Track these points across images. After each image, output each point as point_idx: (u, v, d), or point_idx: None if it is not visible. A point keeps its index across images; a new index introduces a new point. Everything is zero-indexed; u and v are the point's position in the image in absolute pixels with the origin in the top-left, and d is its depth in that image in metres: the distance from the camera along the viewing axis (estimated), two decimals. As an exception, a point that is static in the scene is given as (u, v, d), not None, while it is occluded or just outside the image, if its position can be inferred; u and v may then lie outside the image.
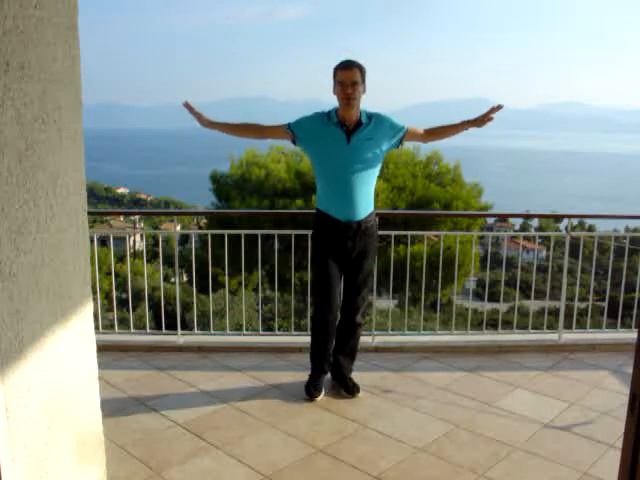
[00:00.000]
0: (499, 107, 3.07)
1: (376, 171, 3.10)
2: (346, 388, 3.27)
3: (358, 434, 2.83)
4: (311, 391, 3.20)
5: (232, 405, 3.13)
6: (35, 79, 1.49)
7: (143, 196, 74.99)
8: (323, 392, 3.25)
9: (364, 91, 3.01)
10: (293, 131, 3.06)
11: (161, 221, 26.52)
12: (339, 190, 3.02)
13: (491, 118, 3.08)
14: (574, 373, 3.63)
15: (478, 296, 16.54)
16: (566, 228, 4.19)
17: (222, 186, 13.54)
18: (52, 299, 1.62)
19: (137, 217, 31.21)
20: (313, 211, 3.22)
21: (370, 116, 3.05)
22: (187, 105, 3.07)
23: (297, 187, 12.50)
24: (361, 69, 2.96)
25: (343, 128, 2.99)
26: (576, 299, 4.92)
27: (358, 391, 3.26)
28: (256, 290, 11.17)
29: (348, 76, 2.92)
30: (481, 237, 9.87)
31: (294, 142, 3.11)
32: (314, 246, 3.21)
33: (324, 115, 3.04)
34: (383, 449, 2.69)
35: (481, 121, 3.07)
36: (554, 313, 6.86)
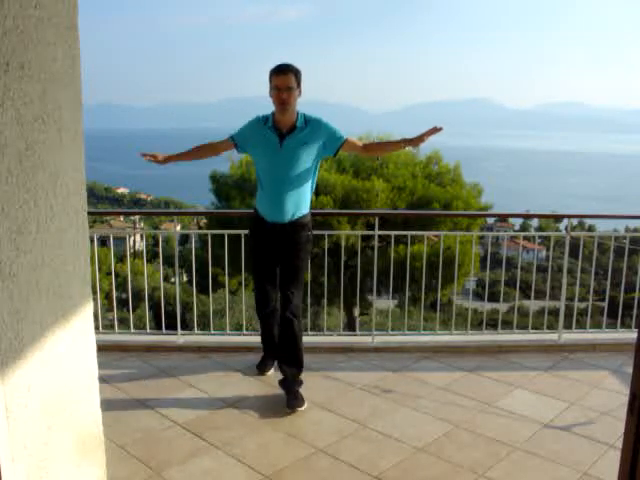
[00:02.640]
0: (438, 129, 2.97)
1: (309, 175, 3.12)
2: (287, 400, 3.10)
3: (358, 434, 2.83)
4: (260, 368, 3.59)
5: (232, 405, 3.13)
6: (35, 79, 1.49)
7: (143, 196, 75.01)
8: (272, 370, 3.56)
9: (300, 94, 3.04)
10: (235, 141, 3.19)
11: (161, 221, 26.53)
12: (269, 192, 3.12)
13: (424, 139, 2.99)
14: (574, 373, 3.63)
15: (478, 296, 16.55)
16: (566, 228, 4.19)
17: (222, 186, 13.53)
18: (52, 299, 1.61)
19: (137, 217, 31.21)
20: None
21: (308, 120, 3.08)
22: (144, 155, 3.18)
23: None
24: (296, 74, 2.99)
25: (277, 132, 3.04)
26: (576, 299, 4.92)
27: (300, 406, 3.08)
28: (256, 290, 11.15)
29: (283, 81, 2.95)
30: (481, 237, 9.88)
31: (237, 150, 3.23)
32: (249, 244, 3.41)
33: (262, 119, 3.11)
34: (383, 449, 2.69)
35: (419, 140, 3.00)
36: (554, 313, 6.85)
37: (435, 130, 2.98)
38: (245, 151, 3.25)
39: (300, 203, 3.13)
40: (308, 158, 3.07)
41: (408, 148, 3.26)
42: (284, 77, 2.96)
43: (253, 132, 3.13)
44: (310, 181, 3.16)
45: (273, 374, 3.53)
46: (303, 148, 3.04)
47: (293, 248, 3.17)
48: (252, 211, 3.31)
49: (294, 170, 3.05)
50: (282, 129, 3.04)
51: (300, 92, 3.04)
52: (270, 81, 2.99)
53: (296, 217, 3.12)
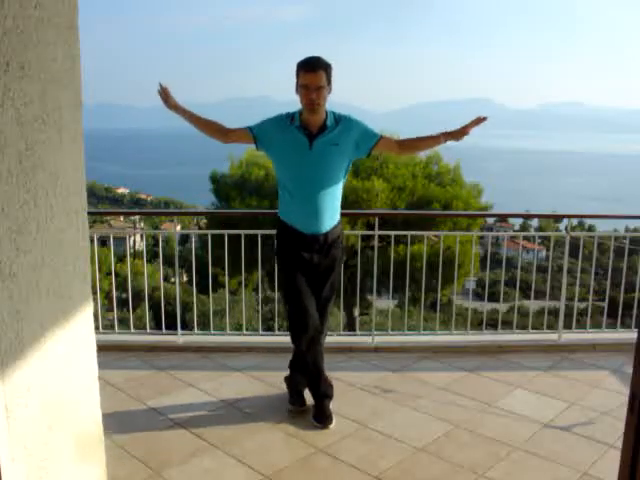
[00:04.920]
0: (482, 119, 2.77)
1: (340, 178, 2.83)
2: (319, 416, 2.93)
3: (358, 434, 2.83)
4: (299, 402, 3.10)
5: (232, 405, 3.13)
6: (35, 79, 1.49)
7: (143, 196, 75.04)
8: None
9: (330, 92, 2.74)
10: (254, 133, 2.80)
11: (161, 221, 26.53)
12: (301, 199, 2.76)
13: (467, 132, 2.79)
14: (574, 373, 3.63)
15: (478, 296, 16.54)
16: (566, 228, 4.19)
17: (222, 186, 13.54)
18: (52, 299, 1.61)
19: (137, 217, 31.21)
20: None
21: (338, 119, 2.79)
22: (161, 87, 2.78)
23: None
24: (327, 70, 2.66)
25: (305, 132, 2.73)
26: (576, 299, 4.92)
27: (330, 422, 2.91)
28: (256, 290, 11.17)
29: (312, 80, 2.62)
30: (481, 237, 9.87)
31: (256, 146, 2.84)
32: (280, 261, 2.92)
33: (287, 117, 2.78)
34: (383, 449, 2.69)
35: (461, 133, 2.78)
36: (554, 313, 6.85)
37: (479, 120, 2.76)
38: (265, 149, 2.84)
39: (335, 210, 2.85)
40: (340, 160, 2.78)
41: (450, 142, 2.86)
42: (314, 75, 2.62)
43: (277, 130, 2.77)
44: (342, 185, 2.87)
45: (271, 374, 3.54)
46: (334, 149, 2.74)
47: (331, 261, 2.87)
48: (279, 221, 2.90)
49: (326, 173, 2.75)
50: (311, 129, 2.72)
51: (330, 89, 2.72)
52: (297, 77, 2.66)
53: (331, 226, 2.83)
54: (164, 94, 2.79)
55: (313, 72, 2.63)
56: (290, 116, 2.78)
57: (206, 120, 2.86)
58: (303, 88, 2.65)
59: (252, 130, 2.81)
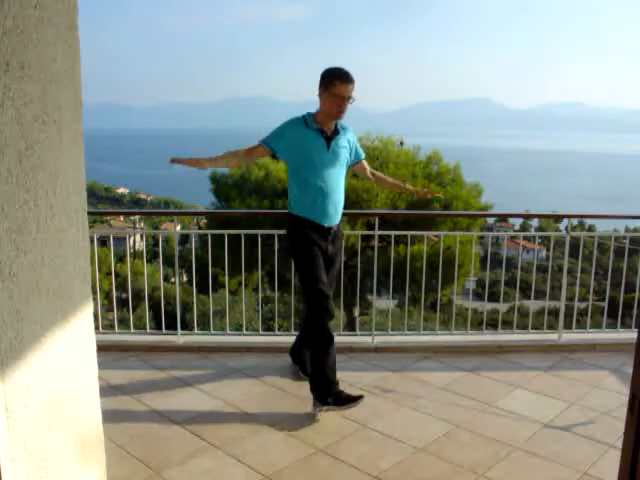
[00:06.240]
0: (441, 197, 3.51)
1: (345, 178, 3.17)
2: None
3: (358, 434, 2.83)
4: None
5: (232, 405, 3.13)
6: (35, 79, 1.49)
7: (143, 196, 75.05)
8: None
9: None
10: (271, 147, 3.03)
11: (161, 221, 26.55)
12: (324, 196, 3.01)
13: (427, 195, 3.56)
14: (574, 373, 3.63)
15: (478, 296, 16.55)
16: (566, 228, 4.19)
17: (222, 186, 13.53)
18: (52, 299, 1.61)
19: (137, 217, 31.22)
20: None
21: (343, 127, 3.09)
22: (176, 160, 3.01)
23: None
24: (354, 82, 2.96)
25: (323, 135, 2.99)
26: (576, 299, 4.92)
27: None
28: (256, 290, 11.17)
29: (347, 91, 2.91)
30: (481, 237, 9.88)
31: (274, 157, 3.08)
32: (301, 254, 3.03)
33: (301, 121, 3.01)
34: (383, 449, 2.69)
35: (422, 192, 3.53)
36: (554, 313, 6.86)
37: (437, 196, 3.67)
38: (285, 157, 3.07)
39: (342, 206, 3.16)
40: (346, 161, 3.13)
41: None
42: (348, 86, 2.91)
43: (296, 134, 2.99)
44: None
45: (271, 374, 3.53)
46: (344, 151, 3.07)
47: (337, 252, 3.16)
48: (292, 217, 3.07)
49: (340, 172, 3.07)
50: (327, 132, 3.01)
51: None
52: (330, 85, 2.90)
53: (340, 220, 3.15)
54: (182, 163, 3.01)
55: (348, 83, 2.91)
56: (303, 120, 3.01)
57: (224, 157, 3.11)
58: (336, 97, 2.90)
59: (269, 145, 3.04)
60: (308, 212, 3.03)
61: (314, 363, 3.02)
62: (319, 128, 2.99)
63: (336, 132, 3.03)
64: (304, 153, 2.99)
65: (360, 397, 2.99)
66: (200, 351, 3.95)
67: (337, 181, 3.06)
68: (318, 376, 3.00)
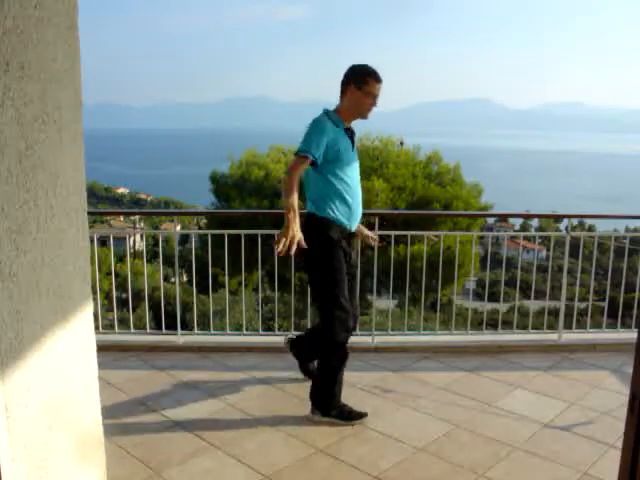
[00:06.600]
0: (378, 242, 3.47)
1: None
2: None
3: (358, 434, 2.83)
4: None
5: (232, 405, 3.13)
6: (35, 79, 1.49)
7: (143, 196, 75.07)
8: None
9: None
10: (315, 156, 2.72)
11: (161, 221, 26.54)
12: (354, 197, 2.89)
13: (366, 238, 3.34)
14: (574, 373, 3.63)
15: (478, 296, 16.54)
16: (566, 228, 4.19)
17: (222, 186, 13.54)
18: (52, 299, 1.61)
19: (137, 217, 31.22)
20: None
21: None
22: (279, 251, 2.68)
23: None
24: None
25: (348, 134, 2.88)
26: (576, 299, 4.92)
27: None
28: (256, 290, 11.16)
29: (379, 89, 2.82)
30: (481, 237, 9.87)
31: (315, 164, 2.77)
32: (329, 260, 2.84)
33: (332, 121, 2.81)
34: (383, 449, 2.69)
35: (363, 235, 3.31)
36: (554, 313, 6.86)
37: (374, 241, 3.41)
38: (325, 161, 2.78)
39: None
40: None
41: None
42: (380, 85, 2.81)
43: (332, 136, 2.76)
44: None
45: (271, 374, 3.53)
46: (356, 151, 3.01)
47: (351, 252, 3.05)
48: (322, 220, 2.85)
49: (359, 172, 2.98)
50: (351, 130, 2.93)
51: None
52: (363, 83, 2.76)
53: None
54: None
55: (380, 82, 2.81)
56: (331, 120, 2.80)
57: (296, 190, 2.74)
58: (370, 96, 2.79)
59: (313, 155, 2.72)
60: (341, 215, 2.86)
61: (324, 376, 2.93)
62: (346, 127, 2.87)
63: (353, 132, 2.95)
64: (338, 153, 2.79)
65: (364, 414, 2.95)
66: (200, 351, 3.95)
67: (359, 182, 2.96)
68: (325, 390, 2.94)
